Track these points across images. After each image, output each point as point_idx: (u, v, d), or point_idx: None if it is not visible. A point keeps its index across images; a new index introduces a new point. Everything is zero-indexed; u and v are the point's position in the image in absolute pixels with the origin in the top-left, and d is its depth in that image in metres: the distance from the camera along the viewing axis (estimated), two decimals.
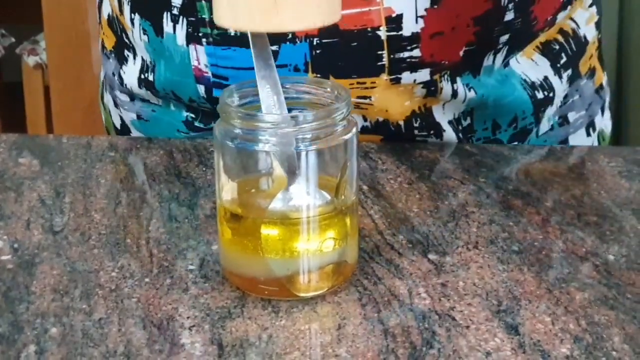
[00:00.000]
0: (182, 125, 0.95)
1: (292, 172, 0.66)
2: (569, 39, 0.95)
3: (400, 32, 0.85)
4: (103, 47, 1.02)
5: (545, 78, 0.93)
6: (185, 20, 0.89)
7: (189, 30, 0.89)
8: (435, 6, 0.85)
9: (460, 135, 0.92)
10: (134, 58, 0.96)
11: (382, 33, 0.85)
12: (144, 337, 0.64)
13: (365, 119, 0.90)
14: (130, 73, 0.96)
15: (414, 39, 0.86)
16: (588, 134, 0.99)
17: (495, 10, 0.87)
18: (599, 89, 1.00)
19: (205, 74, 0.89)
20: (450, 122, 0.91)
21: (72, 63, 1.92)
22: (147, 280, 0.70)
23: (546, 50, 0.93)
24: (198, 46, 0.89)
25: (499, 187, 0.83)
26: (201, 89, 0.90)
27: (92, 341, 0.64)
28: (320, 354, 0.63)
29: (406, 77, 0.87)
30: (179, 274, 0.71)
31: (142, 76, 0.95)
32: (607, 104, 1.03)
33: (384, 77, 0.87)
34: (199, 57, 0.89)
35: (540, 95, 0.93)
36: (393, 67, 0.87)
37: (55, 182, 0.85)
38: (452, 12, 0.86)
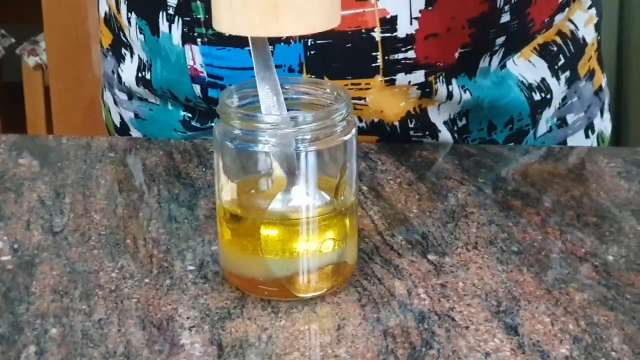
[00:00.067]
0: (179, 124, 0.95)
1: (291, 173, 0.66)
2: (567, 41, 0.95)
3: (394, 34, 0.85)
4: (101, 45, 1.02)
5: (543, 80, 0.93)
6: (180, 20, 0.89)
7: (185, 30, 0.89)
8: (430, 8, 0.85)
9: (456, 135, 0.92)
10: (131, 56, 0.96)
11: (377, 34, 0.85)
12: (143, 337, 0.64)
13: (360, 120, 0.90)
14: (128, 71, 0.97)
15: (409, 40, 0.86)
16: (587, 136, 0.99)
17: (491, 12, 0.87)
18: (598, 90, 1.00)
19: (201, 74, 0.90)
20: (445, 123, 0.91)
21: (72, 63, 1.92)
22: (146, 280, 0.70)
23: (544, 52, 0.93)
24: (193, 46, 0.89)
25: (499, 187, 0.83)
26: (197, 88, 0.91)
27: (92, 342, 0.64)
28: (320, 354, 0.63)
29: (401, 78, 0.87)
30: (179, 275, 0.71)
31: (140, 74, 0.95)
32: (606, 105, 1.03)
33: (379, 78, 0.87)
34: (195, 57, 0.89)
35: (537, 96, 0.93)
36: (387, 69, 0.87)
37: (55, 182, 0.85)
38: (447, 13, 0.86)
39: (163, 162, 0.88)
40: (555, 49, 0.94)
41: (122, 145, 0.92)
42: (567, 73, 0.95)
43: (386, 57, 0.86)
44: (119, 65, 0.98)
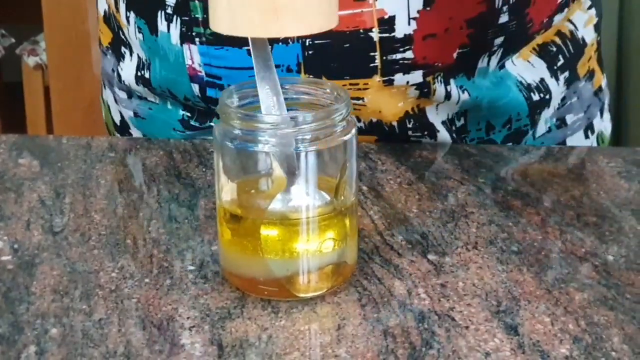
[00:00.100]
0: (178, 124, 0.95)
1: (291, 173, 0.66)
2: (566, 41, 0.95)
3: (392, 34, 0.85)
4: (100, 43, 1.02)
5: (542, 80, 0.93)
6: (179, 19, 0.89)
7: (183, 29, 0.89)
8: (428, 8, 0.85)
9: (454, 135, 0.92)
10: (131, 55, 0.96)
11: (375, 35, 0.85)
12: (143, 337, 0.64)
13: (359, 120, 0.90)
14: (128, 70, 0.97)
15: (407, 40, 0.86)
16: (586, 136, 0.99)
17: (489, 12, 0.87)
18: (598, 91, 1.00)
19: (199, 73, 0.90)
20: (443, 123, 0.91)
21: (72, 63, 1.92)
22: (147, 280, 0.70)
23: (543, 52, 0.93)
24: (192, 45, 0.89)
25: (499, 187, 0.83)
26: (195, 88, 0.91)
27: (92, 342, 0.64)
28: (320, 354, 0.63)
29: (399, 78, 0.87)
30: (179, 275, 0.71)
31: (139, 73, 0.95)
32: (606, 106, 1.02)
33: (377, 78, 0.87)
34: (193, 56, 0.89)
35: (536, 97, 0.93)
36: (386, 69, 0.87)
37: (55, 182, 0.85)
38: (445, 14, 0.86)
39: (163, 162, 0.88)
40: (554, 49, 0.94)
41: (122, 145, 0.92)
42: (567, 73, 0.95)
43: (384, 58, 0.86)
44: (118, 64, 0.98)
